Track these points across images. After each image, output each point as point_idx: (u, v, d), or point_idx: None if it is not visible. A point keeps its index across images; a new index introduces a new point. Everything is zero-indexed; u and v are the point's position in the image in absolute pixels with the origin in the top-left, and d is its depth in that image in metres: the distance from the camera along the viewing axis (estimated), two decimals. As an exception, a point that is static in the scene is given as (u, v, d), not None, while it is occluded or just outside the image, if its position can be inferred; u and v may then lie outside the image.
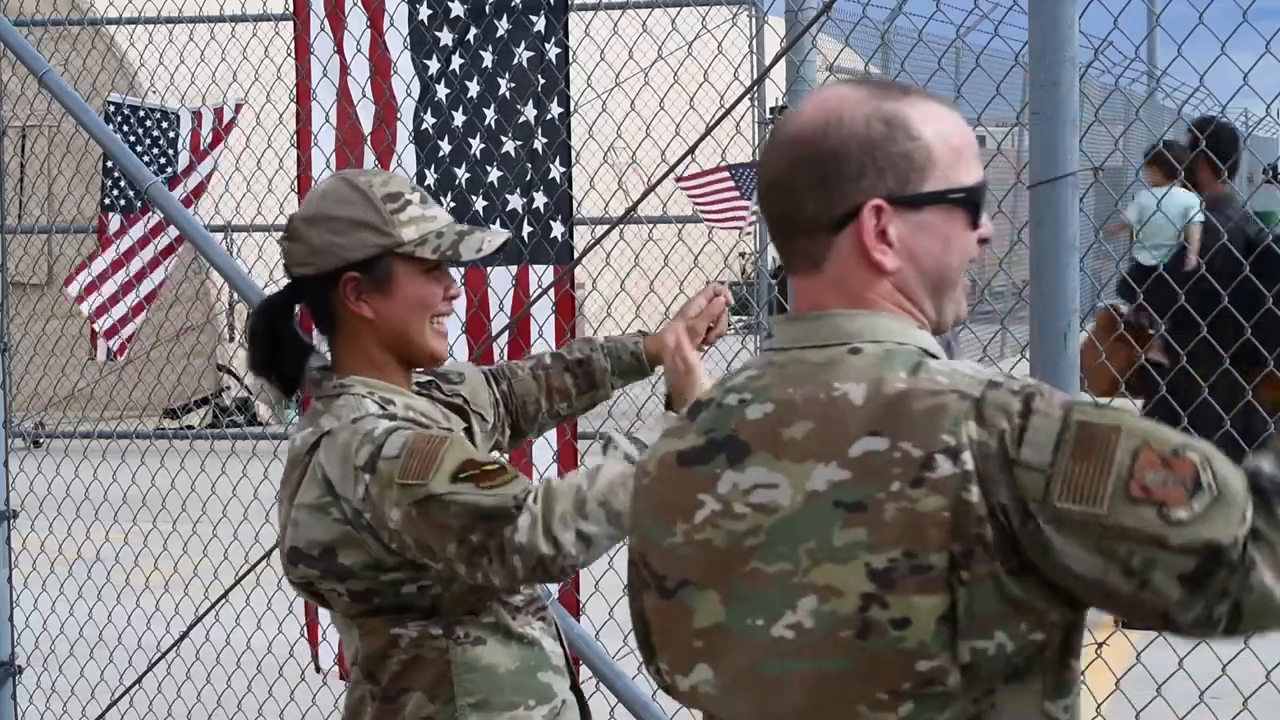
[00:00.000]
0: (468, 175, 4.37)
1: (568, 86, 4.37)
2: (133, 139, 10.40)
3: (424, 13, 4.41)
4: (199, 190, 10.59)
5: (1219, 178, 7.28)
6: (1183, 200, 8.03)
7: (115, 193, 10.78)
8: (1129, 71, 16.86)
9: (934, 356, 1.81)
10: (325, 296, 2.77)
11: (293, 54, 4.68)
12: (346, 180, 2.79)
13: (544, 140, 4.34)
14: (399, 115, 4.42)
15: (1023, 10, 3.18)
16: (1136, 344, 7.04)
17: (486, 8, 4.37)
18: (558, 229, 4.34)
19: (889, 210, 1.81)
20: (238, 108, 10.64)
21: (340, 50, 4.49)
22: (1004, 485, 1.68)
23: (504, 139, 4.36)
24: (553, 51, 4.34)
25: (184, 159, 10.63)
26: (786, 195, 1.84)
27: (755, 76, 9.53)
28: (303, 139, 4.58)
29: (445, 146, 4.38)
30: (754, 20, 11.45)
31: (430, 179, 4.37)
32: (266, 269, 7.27)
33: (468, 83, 4.38)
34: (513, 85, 4.36)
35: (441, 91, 4.38)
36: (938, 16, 4.07)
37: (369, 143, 4.45)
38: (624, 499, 2.58)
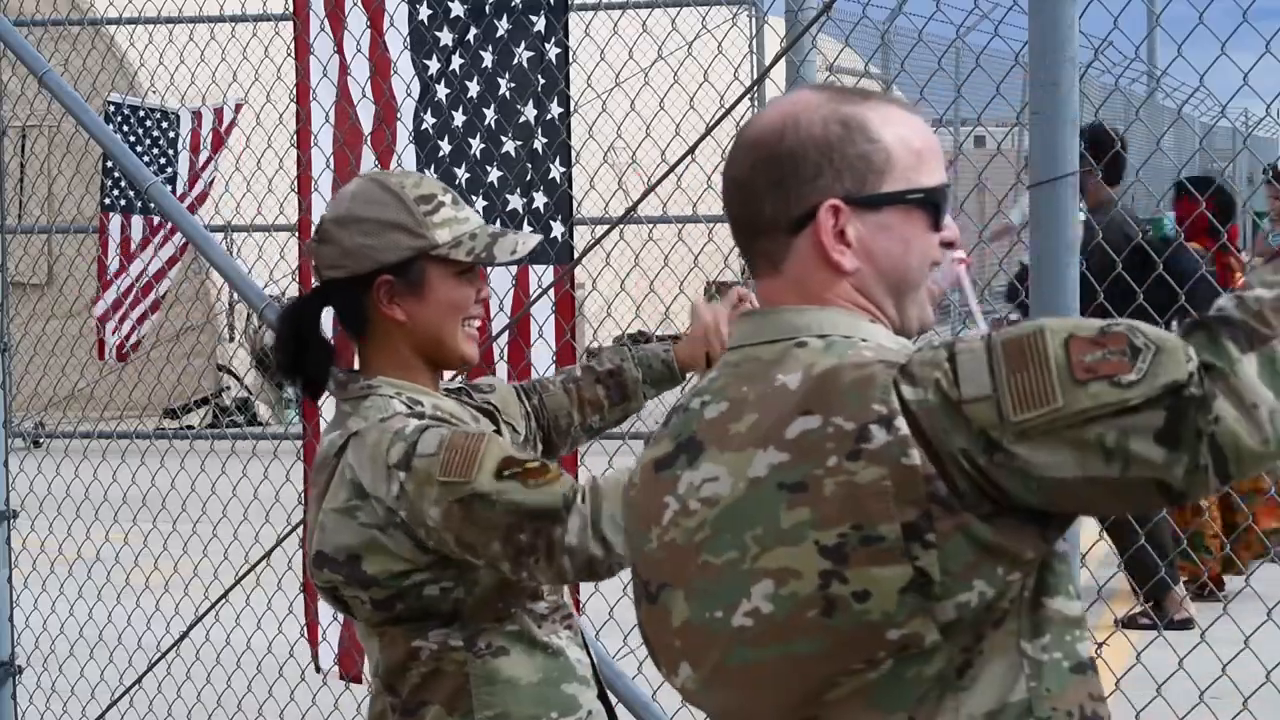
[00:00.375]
0: (468, 175, 4.37)
1: (568, 86, 4.36)
2: (133, 139, 10.41)
3: (424, 13, 4.41)
4: (202, 198, 10.61)
5: (1108, 181, 7.39)
6: None
7: (115, 193, 10.78)
8: (1129, 71, 16.85)
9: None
10: (356, 299, 2.73)
11: (293, 54, 4.68)
12: (378, 181, 2.76)
13: (544, 140, 4.34)
14: (399, 115, 4.42)
15: (1023, 10, 3.19)
16: None
17: (486, 8, 4.37)
18: (558, 229, 4.34)
19: (846, 211, 1.83)
20: (238, 108, 10.65)
21: (340, 50, 4.48)
22: (958, 430, 1.69)
23: (504, 139, 4.36)
24: (553, 51, 4.34)
25: (184, 159, 10.64)
26: (747, 197, 1.87)
27: (755, 76, 9.52)
28: (302, 139, 4.57)
29: (445, 146, 4.38)
30: (754, 20, 11.44)
31: None
32: (266, 269, 7.28)
33: (468, 83, 4.38)
34: (513, 85, 4.36)
35: (441, 91, 4.38)
36: (938, 16, 4.07)
37: (368, 143, 4.45)
38: None
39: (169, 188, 8.35)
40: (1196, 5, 3.48)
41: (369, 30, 4.45)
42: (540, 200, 4.34)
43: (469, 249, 2.72)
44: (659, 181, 4.08)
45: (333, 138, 4.50)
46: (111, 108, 10.69)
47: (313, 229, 2.82)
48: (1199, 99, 18.54)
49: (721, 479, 1.79)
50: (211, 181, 10.62)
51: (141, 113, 10.76)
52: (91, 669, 5.92)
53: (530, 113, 4.34)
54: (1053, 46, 3.05)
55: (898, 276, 1.85)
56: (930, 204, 1.85)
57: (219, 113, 10.66)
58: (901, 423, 1.70)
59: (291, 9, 4.68)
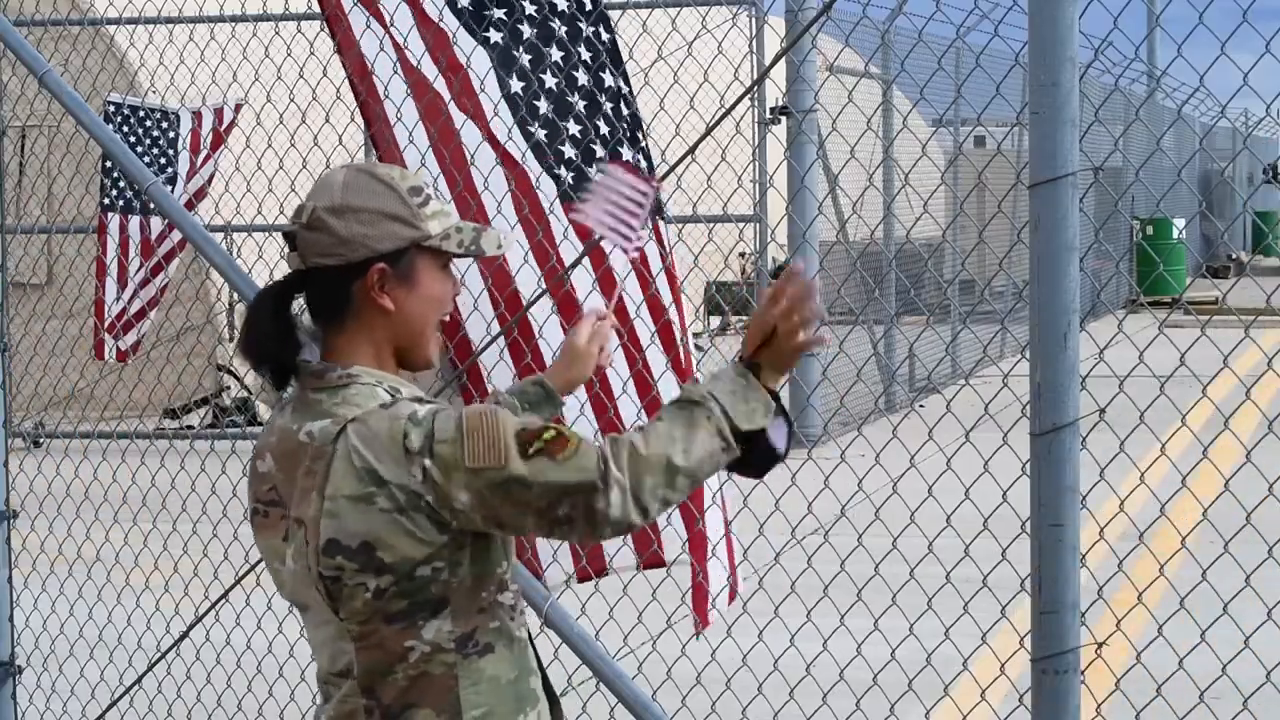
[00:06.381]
0: (578, 128, 4.33)
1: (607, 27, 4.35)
2: (133, 139, 10.41)
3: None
4: (200, 193, 10.60)
5: None
6: None
7: (115, 193, 10.78)
8: (1129, 71, 16.86)
9: None
10: (342, 287, 2.75)
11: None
12: (368, 172, 2.79)
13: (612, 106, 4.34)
14: (480, 83, 4.32)
15: (1023, 10, 3.19)
16: None
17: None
18: (627, 154, 4.31)
19: None
20: (237, 108, 10.65)
21: (389, 31, 4.37)
22: None
23: (570, 98, 4.33)
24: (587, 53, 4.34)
25: (184, 159, 10.64)
26: None
27: (755, 76, 9.51)
28: (371, 118, 4.40)
29: (544, 106, 4.33)
30: (754, 20, 11.43)
31: (540, 134, 4.31)
32: (267, 269, 7.26)
33: (544, 48, 4.33)
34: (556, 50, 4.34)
35: (524, 57, 4.33)
36: (938, 16, 4.07)
37: (453, 106, 4.32)
38: (709, 471, 2.65)
39: (169, 188, 8.34)
40: (1196, 5, 3.48)
41: (412, 10, 4.36)
42: (605, 129, 4.32)
43: (458, 240, 2.78)
44: (659, 181, 4.08)
45: (415, 110, 4.38)
46: (111, 108, 10.69)
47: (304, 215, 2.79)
48: (1199, 99, 18.55)
49: None
50: (211, 178, 10.61)
51: (141, 113, 10.76)
52: (91, 669, 5.92)
53: (583, 77, 4.33)
54: (1053, 46, 3.06)
55: None
56: None
57: (219, 113, 10.66)
58: None
59: (311, 6, 4.62)
